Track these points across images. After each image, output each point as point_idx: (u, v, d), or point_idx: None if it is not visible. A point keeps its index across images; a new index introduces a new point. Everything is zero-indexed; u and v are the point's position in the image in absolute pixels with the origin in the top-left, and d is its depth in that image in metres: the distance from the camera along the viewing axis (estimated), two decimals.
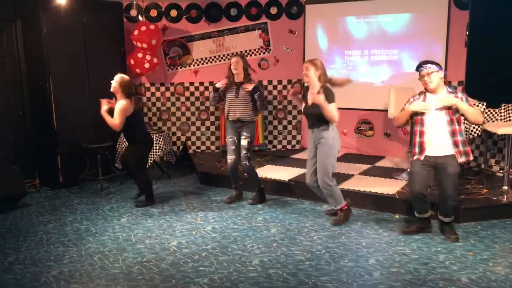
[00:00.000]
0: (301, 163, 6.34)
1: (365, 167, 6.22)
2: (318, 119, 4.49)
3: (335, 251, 4.03)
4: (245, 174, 5.39)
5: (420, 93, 4.16)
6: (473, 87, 1.53)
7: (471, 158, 4.07)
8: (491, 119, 5.20)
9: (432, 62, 4.02)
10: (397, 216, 4.81)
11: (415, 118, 4.12)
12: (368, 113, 6.96)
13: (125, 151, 5.42)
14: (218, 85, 5.23)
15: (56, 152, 5.98)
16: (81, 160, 6.02)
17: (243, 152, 5.19)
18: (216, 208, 5.21)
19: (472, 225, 4.56)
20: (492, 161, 5.83)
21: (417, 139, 4.13)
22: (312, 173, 4.71)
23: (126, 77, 5.11)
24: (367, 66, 6.85)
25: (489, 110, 5.13)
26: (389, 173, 5.87)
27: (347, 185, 5.39)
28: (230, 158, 5.28)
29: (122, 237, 4.42)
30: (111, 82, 5.04)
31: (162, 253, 4.05)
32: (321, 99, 4.33)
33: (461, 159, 4.01)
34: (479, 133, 5.17)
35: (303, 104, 4.68)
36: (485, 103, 4.82)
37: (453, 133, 3.98)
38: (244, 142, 5.19)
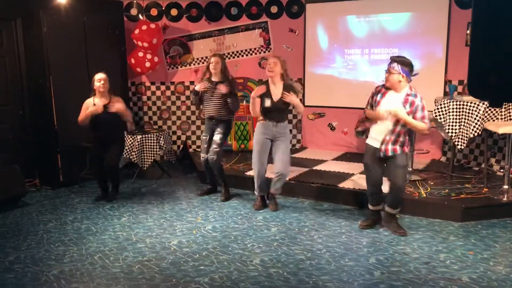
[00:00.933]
0: (301, 162, 6.35)
1: None
2: (283, 115, 4.90)
3: (336, 250, 4.03)
4: (213, 169, 5.44)
5: (383, 85, 4.28)
6: (475, 86, 1.52)
7: (390, 154, 4.18)
8: (492, 118, 5.19)
9: (402, 63, 4.06)
10: (397, 216, 4.80)
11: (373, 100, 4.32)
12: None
13: (110, 152, 5.36)
14: (197, 88, 5.35)
15: (57, 151, 5.97)
16: (81, 159, 6.01)
17: (213, 146, 5.27)
18: (216, 207, 5.21)
19: (473, 224, 4.56)
20: (493, 160, 5.83)
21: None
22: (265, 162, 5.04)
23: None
24: (367, 65, 6.84)
25: (489, 109, 5.13)
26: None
27: (348, 184, 5.39)
28: (203, 156, 5.42)
29: (122, 236, 4.41)
30: (99, 82, 5.19)
31: (163, 252, 4.05)
32: (294, 99, 4.76)
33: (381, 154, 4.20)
34: (480, 132, 5.16)
35: (268, 100, 4.80)
36: (487, 102, 4.81)
37: (397, 134, 4.15)
38: (216, 137, 5.30)
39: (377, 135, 4.24)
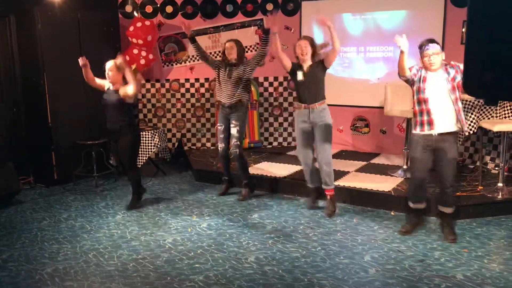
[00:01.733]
0: (296, 160, 6.33)
1: (360, 164, 6.22)
2: (319, 92, 4.62)
3: (331, 248, 4.03)
4: (237, 166, 5.31)
5: (422, 67, 4.09)
6: (471, 84, 1.52)
7: (465, 128, 4.03)
8: (487, 116, 5.21)
9: (435, 42, 3.99)
10: (392, 213, 4.81)
11: (416, 86, 4.04)
12: (364, 110, 6.95)
13: (120, 150, 5.04)
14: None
15: (51, 149, 5.94)
16: (76, 157, 5.99)
17: (233, 140, 5.12)
18: (211, 205, 5.20)
19: (467, 222, 4.57)
20: (488, 158, 5.85)
21: (418, 108, 4.03)
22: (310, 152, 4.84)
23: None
24: (363, 63, 6.84)
25: (485, 107, 5.14)
26: (385, 170, 5.88)
27: (343, 181, 5.39)
28: (220, 146, 5.27)
29: (117, 234, 4.40)
30: (107, 72, 4.91)
31: (157, 250, 4.04)
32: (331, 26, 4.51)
33: (458, 126, 3.97)
34: (475, 130, 5.18)
35: (299, 73, 4.64)
36: (482, 100, 4.82)
37: (456, 101, 3.94)
38: (233, 131, 5.12)
39: (431, 122, 3.95)
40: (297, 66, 4.73)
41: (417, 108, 4.05)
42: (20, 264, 3.80)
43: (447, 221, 4.23)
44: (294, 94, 7.33)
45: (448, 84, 3.93)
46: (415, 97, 4.07)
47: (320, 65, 4.65)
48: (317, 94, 4.64)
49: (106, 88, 5.03)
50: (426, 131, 4.00)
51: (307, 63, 4.67)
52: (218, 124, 5.29)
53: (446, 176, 4.05)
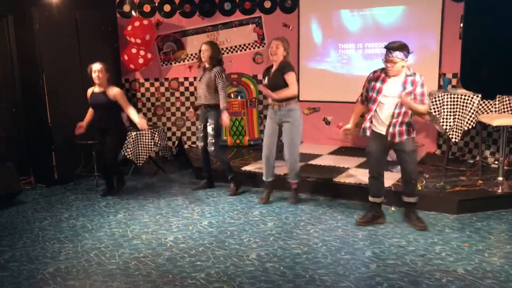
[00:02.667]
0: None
1: (360, 160, 6.21)
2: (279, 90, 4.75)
3: (332, 244, 4.04)
4: (218, 163, 5.55)
5: (382, 70, 4.19)
6: (468, 79, 1.52)
7: (397, 140, 4.14)
8: (486, 111, 5.21)
9: (401, 48, 3.99)
10: (392, 209, 4.82)
11: (372, 85, 4.21)
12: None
13: (106, 148, 5.38)
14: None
15: (51, 148, 5.95)
16: (76, 157, 6.00)
17: (209, 138, 5.30)
18: (212, 203, 5.21)
19: (468, 217, 4.58)
20: (487, 152, 5.86)
21: (371, 106, 4.22)
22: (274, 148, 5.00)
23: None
24: (361, 59, 6.84)
25: (483, 102, 5.14)
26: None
27: (343, 178, 5.40)
28: (200, 145, 5.55)
29: (118, 233, 4.41)
30: (95, 73, 5.18)
31: (159, 248, 4.05)
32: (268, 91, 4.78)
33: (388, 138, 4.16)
34: (474, 125, 5.18)
35: (266, 79, 4.90)
36: (480, 95, 4.83)
37: (398, 115, 4.11)
38: (209, 129, 5.30)
39: (381, 123, 4.19)
40: (267, 70, 4.98)
41: (371, 105, 4.22)
42: (22, 264, 3.81)
43: (412, 210, 4.39)
44: None
45: (400, 96, 4.03)
46: (370, 94, 4.22)
47: (281, 74, 4.78)
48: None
49: (90, 93, 5.30)
50: (379, 130, 4.22)
51: (276, 64, 4.84)
52: (198, 123, 5.61)
53: (408, 169, 4.21)
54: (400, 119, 4.10)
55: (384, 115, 4.15)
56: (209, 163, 5.62)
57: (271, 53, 4.78)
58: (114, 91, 5.22)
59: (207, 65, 5.29)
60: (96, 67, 5.18)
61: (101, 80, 5.19)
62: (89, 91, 5.36)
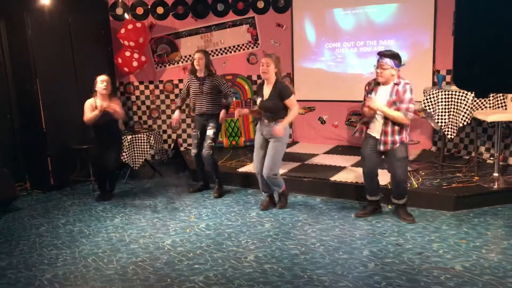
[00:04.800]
0: (293, 157, 6.34)
1: (356, 158, 6.21)
2: (275, 115, 4.61)
3: (329, 243, 4.04)
4: (206, 165, 5.45)
5: (373, 81, 4.33)
6: (460, 77, 1.52)
7: (389, 147, 4.24)
8: (481, 107, 5.22)
9: (393, 56, 4.12)
10: (390, 207, 4.82)
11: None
12: (358, 104, 6.89)
13: (109, 155, 5.42)
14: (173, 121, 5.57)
15: (46, 154, 5.92)
16: (72, 162, 5.97)
17: (208, 141, 5.28)
18: (209, 205, 5.20)
19: (465, 213, 4.60)
20: (483, 148, 5.87)
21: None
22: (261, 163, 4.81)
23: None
24: (355, 58, 6.84)
25: (478, 98, 5.15)
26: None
27: (340, 177, 5.40)
28: (193, 152, 5.49)
29: (115, 238, 4.39)
30: (102, 83, 5.24)
31: (157, 252, 4.04)
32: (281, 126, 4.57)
33: (381, 147, 4.27)
34: (469, 121, 5.19)
35: (259, 99, 4.71)
36: (473, 93, 4.85)
37: (389, 123, 4.21)
38: (209, 132, 5.31)
39: (374, 129, 4.33)
40: (259, 88, 4.78)
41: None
42: (19, 271, 3.79)
43: (401, 208, 4.51)
44: None
45: (387, 103, 4.16)
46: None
47: (279, 97, 4.58)
48: (275, 115, 4.62)
49: (95, 106, 5.28)
50: (374, 134, 4.35)
51: (269, 85, 4.64)
52: (193, 130, 5.56)
53: (397, 174, 4.31)
54: (390, 128, 4.19)
55: (377, 123, 4.28)
56: (203, 168, 5.57)
57: (262, 71, 4.62)
58: (113, 106, 5.27)
59: (202, 74, 5.33)
60: (102, 77, 5.27)
61: (107, 90, 5.28)
62: (91, 102, 5.29)
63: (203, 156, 5.34)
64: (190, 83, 5.46)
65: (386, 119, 4.19)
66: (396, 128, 4.20)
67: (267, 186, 4.92)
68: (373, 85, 4.32)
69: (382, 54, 4.16)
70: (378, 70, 4.17)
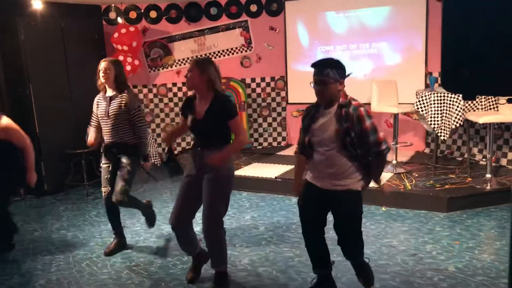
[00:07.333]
0: (287, 160, 6.35)
1: None
2: (214, 140, 3.29)
3: None
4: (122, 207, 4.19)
5: (313, 106, 3.09)
6: (448, 79, 1.54)
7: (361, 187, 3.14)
8: (473, 108, 5.26)
9: (335, 65, 2.93)
10: (383, 209, 4.85)
11: (306, 124, 3.11)
12: None
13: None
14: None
15: (40, 159, 5.89)
16: (65, 166, 5.96)
17: (120, 184, 3.87)
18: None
19: (458, 214, 4.62)
20: (475, 150, 5.91)
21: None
22: (188, 212, 3.42)
23: None
24: (348, 61, 6.86)
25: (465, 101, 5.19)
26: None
27: None
28: (104, 190, 4.04)
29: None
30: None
31: (151, 256, 4.03)
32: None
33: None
34: (461, 123, 5.23)
35: (190, 117, 3.34)
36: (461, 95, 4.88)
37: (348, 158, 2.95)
38: (123, 171, 3.90)
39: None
40: (186, 102, 3.52)
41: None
42: (13, 277, 3.77)
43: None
44: (282, 94, 7.39)
45: (336, 135, 2.88)
46: (306, 137, 3.08)
47: (222, 118, 3.30)
48: (211, 141, 3.36)
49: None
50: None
51: (202, 97, 3.31)
52: (103, 161, 4.07)
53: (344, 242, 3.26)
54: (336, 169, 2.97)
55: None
56: (118, 213, 4.25)
57: (187, 84, 3.30)
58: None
59: (111, 92, 3.98)
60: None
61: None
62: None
63: (115, 202, 3.93)
64: (98, 102, 4.05)
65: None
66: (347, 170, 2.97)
67: (192, 246, 3.51)
68: (312, 112, 3.03)
69: (320, 65, 2.90)
70: (318, 87, 2.91)
